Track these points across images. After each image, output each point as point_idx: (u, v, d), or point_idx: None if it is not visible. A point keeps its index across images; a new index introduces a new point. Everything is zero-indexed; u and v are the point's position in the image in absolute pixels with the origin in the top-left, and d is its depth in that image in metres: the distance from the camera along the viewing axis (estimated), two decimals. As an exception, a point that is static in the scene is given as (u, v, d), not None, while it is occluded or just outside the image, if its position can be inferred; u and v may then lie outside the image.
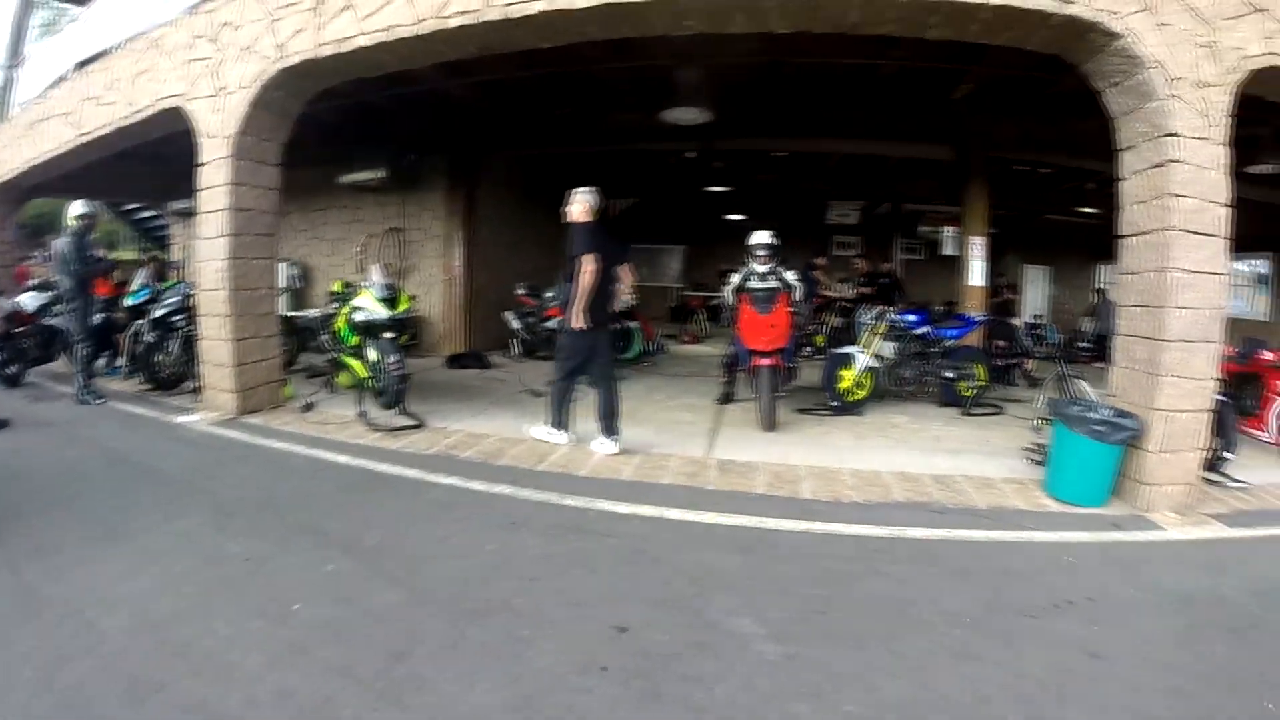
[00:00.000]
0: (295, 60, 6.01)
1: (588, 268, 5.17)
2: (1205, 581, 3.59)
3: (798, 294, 6.72)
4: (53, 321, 8.12)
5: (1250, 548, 4.13)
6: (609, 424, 5.50)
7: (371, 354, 6.61)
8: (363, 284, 7.02)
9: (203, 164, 6.57)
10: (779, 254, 6.76)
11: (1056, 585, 3.40)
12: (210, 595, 3.11)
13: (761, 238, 6.72)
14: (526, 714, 2.30)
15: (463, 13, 5.19)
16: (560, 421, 5.73)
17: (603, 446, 5.47)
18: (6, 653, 2.63)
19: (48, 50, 10.48)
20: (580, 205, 5.41)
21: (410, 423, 6.11)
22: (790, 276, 6.68)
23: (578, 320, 5.28)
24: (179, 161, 10.15)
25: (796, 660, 2.66)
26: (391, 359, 6.37)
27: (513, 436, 5.84)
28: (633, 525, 4.03)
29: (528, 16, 5.02)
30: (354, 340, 6.88)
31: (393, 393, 6.36)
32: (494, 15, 5.10)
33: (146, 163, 10.53)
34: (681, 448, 5.68)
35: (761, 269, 6.63)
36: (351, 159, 10.29)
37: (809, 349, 11.41)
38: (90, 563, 3.41)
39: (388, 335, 6.52)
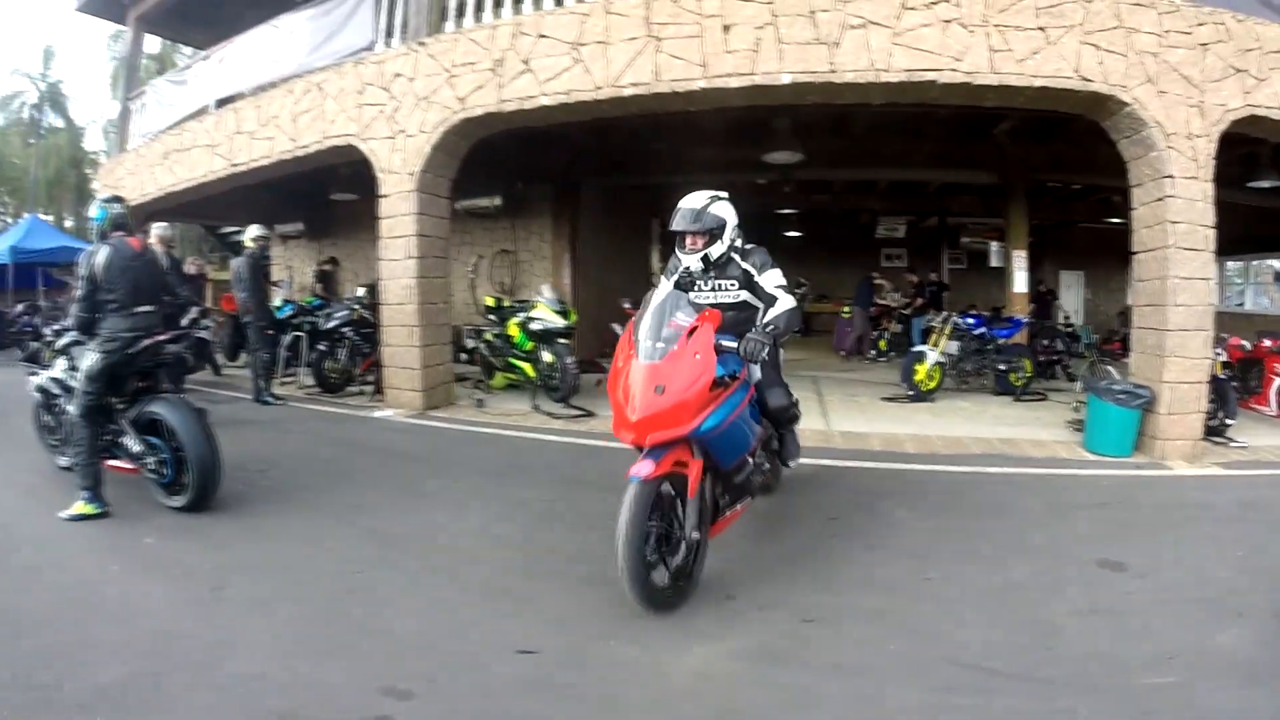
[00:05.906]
0: (478, 112, 7.13)
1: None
2: (1202, 497, 5.29)
3: (781, 305, 3.76)
4: (201, 334, 9.42)
5: (1241, 481, 5.78)
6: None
7: (546, 356, 8.24)
8: (535, 298, 8.69)
9: (384, 195, 7.76)
10: (720, 232, 3.99)
11: (1095, 495, 5.16)
12: (537, 522, 4.14)
13: (689, 202, 4.04)
14: (815, 552, 4.03)
15: (635, 84, 6.47)
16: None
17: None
18: (399, 571, 3.31)
19: (166, 87, 11.32)
20: (154, 237, 6.67)
21: (580, 412, 7.60)
22: (773, 278, 3.93)
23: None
24: (283, 188, 11.79)
25: (940, 529, 4.43)
26: (568, 360, 8.01)
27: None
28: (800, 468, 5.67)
29: (690, 91, 6.44)
30: (529, 345, 8.41)
31: (567, 388, 7.99)
32: (662, 88, 6.41)
33: (256, 190, 11.10)
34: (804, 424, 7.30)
35: (687, 258, 3.99)
36: (467, 187, 11.85)
37: (873, 352, 13.10)
38: (411, 512, 4.07)
39: (562, 341, 8.20)
